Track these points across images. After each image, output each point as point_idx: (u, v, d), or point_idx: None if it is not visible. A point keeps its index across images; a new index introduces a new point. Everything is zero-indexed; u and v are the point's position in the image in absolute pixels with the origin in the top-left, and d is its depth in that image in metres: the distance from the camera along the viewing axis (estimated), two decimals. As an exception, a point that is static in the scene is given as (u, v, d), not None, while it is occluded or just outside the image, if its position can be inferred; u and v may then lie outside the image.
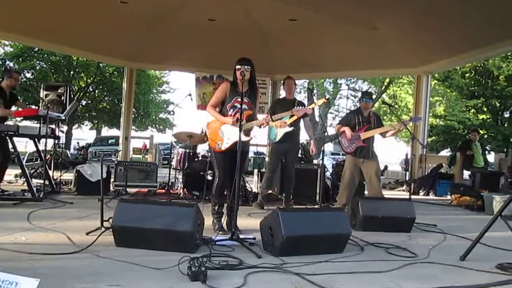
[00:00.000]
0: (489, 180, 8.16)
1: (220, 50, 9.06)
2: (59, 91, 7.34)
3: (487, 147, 18.35)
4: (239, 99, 3.94)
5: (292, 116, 5.40)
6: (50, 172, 6.61)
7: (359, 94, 22.07)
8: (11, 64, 19.13)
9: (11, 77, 5.82)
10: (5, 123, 5.87)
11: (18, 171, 7.21)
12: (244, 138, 3.85)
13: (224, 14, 8.43)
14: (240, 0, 7.74)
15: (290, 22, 8.61)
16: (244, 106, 3.89)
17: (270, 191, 6.69)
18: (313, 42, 9.41)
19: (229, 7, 7.99)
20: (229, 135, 4.03)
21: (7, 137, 5.47)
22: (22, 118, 10.13)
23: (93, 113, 25.61)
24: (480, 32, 7.61)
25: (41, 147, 6.24)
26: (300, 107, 5.06)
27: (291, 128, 5.51)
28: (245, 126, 3.95)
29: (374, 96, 19.76)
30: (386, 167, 15.70)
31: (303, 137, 6.84)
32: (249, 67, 4.00)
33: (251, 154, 11.64)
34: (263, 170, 7.34)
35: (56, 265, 2.72)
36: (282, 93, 10.63)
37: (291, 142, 5.73)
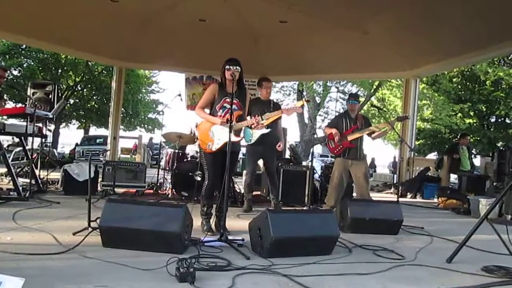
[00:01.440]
0: (476, 183, 8.26)
1: (210, 51, 9.03)
2: (47, 89, 7.27)
3: (473, 151, 18.57)
4: (228, 100, 3.99)
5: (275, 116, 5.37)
6: (37, 171, 6.53)
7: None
8: None
9: None
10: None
11: (4, 170, 7.10)
12: (234, 139, 3.85)
13: (215, 15, 8.42)
14: (231, 1, 7.73)
15: (280, 24, 8.63)
16: (233, 106, 3.89)
17: (258, 192, 6.69)
18: (303, 44, 9.44)
19: (220, 8, 7.98)
20: (220, 135, 4.02)
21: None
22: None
23: (81, 112, 25.37)
24: (468, 37, 7.71)
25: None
26: (289, 106, 5.04)
27: (268, 130, 5.48)
28: (235, 127, 3.94)
29: (362, 99, 19.92)
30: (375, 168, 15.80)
31: (291, 138, 6.84)
32: (239, 68, 4.01)
33: (240, 155, 11.61)
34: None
35: (42, 266, 2.68)
36: (273, 95, 10.65)
37: (267, 143, 5.63)
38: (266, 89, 5.86)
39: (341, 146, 5.58)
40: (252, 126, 4.19)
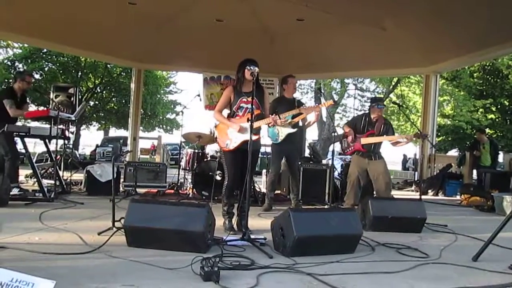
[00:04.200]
0: (499, 180, 8.11)
1: (227, 50, 9.06)
2: (69, 92, 7.41)
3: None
4: (245, 100, 4.11)
5: (297, 115, 5.37)
6: (60, 173, 6.66)
7: (367, 94, 22.06)
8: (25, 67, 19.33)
9: (24, 80, 5.89)
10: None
11: (29, 171, 7.27)
12: (253, 137, 3.86)
13: (232, 15, 8.45)
14: (247, 0, 7.75)
15: (297, 22, 8.60)
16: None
17: (278, 191, 6.69)
18: (320, 42, 9.39)
19: (236, 8, 8.00)
20: (237, 134, 4.07)
21: (19, 138, 5.53)
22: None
23: (100, 114, 25.74)
24: (489, 31, 7.55)
25: (52, 147, 6.29)
26: (308, 105, 5.03)
27: (295, 129, 5.49)
28: (254, 125, 3.96)
29: (382, 96, 19.72)
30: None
31: (309, 136, 6.84)
32: (257, 69, 4.03)
33: (259, 155, 11.63)
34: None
35: (70, 265, 2.74)
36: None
37: (291, 143, 5.67)
38: (293, 86, 5.81)
39: (352, 148, 5.59)
40: (269, 125, 4.21)
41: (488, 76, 20.67)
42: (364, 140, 5.53)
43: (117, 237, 3.42)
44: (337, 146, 6.48)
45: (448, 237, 4.33)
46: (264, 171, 7.75)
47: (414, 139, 5.53)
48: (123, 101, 23.73)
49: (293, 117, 5.39)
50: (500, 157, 15.44)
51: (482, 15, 7.03)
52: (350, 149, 5.64)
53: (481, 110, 20.28)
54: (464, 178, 9.35)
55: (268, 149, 10.95)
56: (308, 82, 21.49)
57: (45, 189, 5.54)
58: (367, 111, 6.11)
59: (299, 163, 6.54)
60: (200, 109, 10.99)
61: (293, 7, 7.81)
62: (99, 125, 28.18)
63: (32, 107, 19.43)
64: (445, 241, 4.12)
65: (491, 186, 7.78)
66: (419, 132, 5.60)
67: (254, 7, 8.20)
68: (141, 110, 15.04)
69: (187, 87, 62.19)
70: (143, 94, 15.06)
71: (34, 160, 6.65)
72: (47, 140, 6.12)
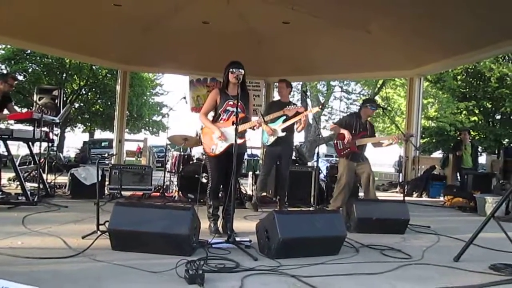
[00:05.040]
0: (482, 181, 8.24)
1: (214, 53, 9.07)
2: (53, 94, 7.32)
3: (479, 149, 18.44)
4: (231, 103, 4.11)
5: (286, 119, 5.41)
6: (44, 176, 6.58)
7: (352, 96, 22.22)
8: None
9: (6, 82, 5.80)
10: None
11: (12, 174, 7.16)
12: (237, 141, 3.87)
13: (218, 17, 8.45)
14: (233, 3, 7.76)
15: (283, 25, 8.65)
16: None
17: (264, 194, 6.72)
18: (306, 44, 9.45)
19: (223, 11, 8.00)
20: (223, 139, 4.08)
21: (1, 140, 5.44)
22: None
23: (86, 116, 25.48)
24: (472, 35, 7.68)
25: (35, 149, 6.21)
26: (292, 106, 4.98)
27: (283, 134, 5.53)
28: (238, 129, 3.97)
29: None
30: None
31: (296, 139, 6.88)
32: (242, 71, 4.05)
33: (245, 157, 11.67)
34: (258, 172, 7.36)
35: (53, 269, 2.72)
36: (276, 96, 10.69)
37: (284, 145, 5.75)
38: (279, 90, 6.00)
39: (348, 150, 5.57)
40: (255, 128, 4.22)
41: (471, 79, 21.03)
42: (359, 142, 5.58)
43: (101, 241, 3.40)
44: (322, 148, 6.51)
45: (430, 238, 4.40)
46: (250, 173, 7.76)
47: (400, 140, 5.56)
48: (109, 103, 23.52)
49: (285, 120, 5.44)
50: (483, 159, 15.68)
51: (466, 19, 7.15)
52: (347, 150, 5.56)
53: (464, 112, 20.61)
54: (447, 180, 9.48)
55: (255, 151, 11.00)
56: (295, 84, 21.56)
57: (28, 193, 5.45)
58: (354, 111, 6.14)
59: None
60: (187, 112, 10.98)
61: (279, 10, 7.86)
62: (84, 127, 27.88)
63: (16, 109, 19.17)
64: (427, 242, 4.18)
65: (474, 188, 7.90)
66: (403, 133, 5.65)
67: (240, 10, 8.21)
68: (127, 112, 14.94)
69: (173, 89, 61.87)
70: (129, 96, 14.96)
71: (17, 163, 6.57)
72: (30, 143, 6.03)
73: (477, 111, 21.06)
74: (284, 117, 5.33)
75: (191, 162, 6.89)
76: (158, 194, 6.98)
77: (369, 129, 5.76)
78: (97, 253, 3.11)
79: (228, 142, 4.03)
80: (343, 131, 5.55)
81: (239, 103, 3.95)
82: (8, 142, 5.65)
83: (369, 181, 5.49)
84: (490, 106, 21.01)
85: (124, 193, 6.62)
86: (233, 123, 3.85)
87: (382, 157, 24.45)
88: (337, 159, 5.94)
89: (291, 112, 5.00)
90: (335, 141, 5.74)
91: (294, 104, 5.52)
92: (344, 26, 8.29)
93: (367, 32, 8.32)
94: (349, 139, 5.48)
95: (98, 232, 3.59)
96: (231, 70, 4.07)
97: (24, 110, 16.50)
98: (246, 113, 4.20)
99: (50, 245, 3.36)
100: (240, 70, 4.03)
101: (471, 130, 12.81)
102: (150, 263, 2.90)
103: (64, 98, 16.59)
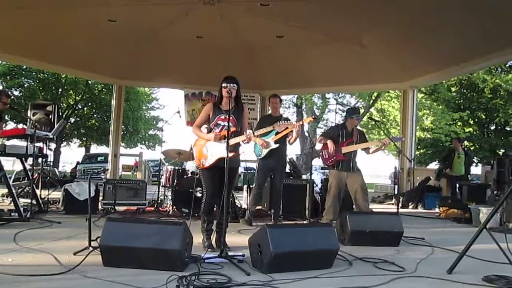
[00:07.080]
0: (476, 192, 8.25)
1: (208, 67, 9.12)
2: (47, 109, 7.32)
3: (474, 159, 18.48)
4: (222, 117, 4.13)
5: (277, 132, 5.43)
6: (38, 191, 6.55)
7: (347, 109, 22.35)
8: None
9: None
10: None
11: (5, 190, 7.12)
12: (228, 154, 3.87)
13: (212, 32, 8.51)
14: (227, 18, 7.83)
15: (277, 39, 8.72)
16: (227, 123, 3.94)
17: (259, 207, 6.70)
18: (300, 58, 9.52)
19: (216, 25, 8.06)
20: (213, 151, 4.10)
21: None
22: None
23: (81, 131, 25.40)
24: (464, 46, 7.77)
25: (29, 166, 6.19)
26: (282, 121, 4.99)
27: (276, 145, 5.54)
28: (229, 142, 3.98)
29: (362, 111, 20.00)
30: None
31: (292, 152, 6.89)
32: (236, 85, 4.07)
33: (240, 170, 11.64)
34: (253, 186, 7.35)
35: (43, 287, 2.70)
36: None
37: (277, 158, 5.77)
38: (273, 106, 6.09)
39: (334, 158, 5.67)
40: (244, 142, 4.21)
41: (465, 90, 21.19)
42: (345, 149, 5.66)
43: (93, 257, 3.37)
44: (318, 161, 6.52)
45: (424, 250, 4.39)
46: (245, 186, 7.74)
47: (386, 146, 5.62)
48: (105, 117, 23.49)
49: (277, 133, 5.46)
50: (478, 170, 15.68)
51: (458, 31, 7.22)
52: (333, 159, 5.69)
53: (459, 123, 20.73)
54: (442, 191, 9.49)
55: (250, 165, 10.98)
56: (290, 97, 21.69)
57: (21, 209, 5.41)
58: (340, 123, 6.23)
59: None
60: (182, 125, 10.99)
61: (273, 24, 7.93)
62: (80, 142, 27.79)
63: (11, 125, 19.13)
64: (421, 254, 4.17)
65: (468, 199, 7.91)
66: (388, 137, 5.70)
67: (233, 24, 8.28)
68: (123, 126, 14.93)
69: (169, 103, 62.08)
70: (124, 110, 14.99)
71: (12, 179, 6.53)
72: (23, 159, 6.01)
73: (471, 122, 21.18)
74: (276, 131, 5.36)
75: (185, 176, 6.87)
76: (152, 208, 6.95)
77: (357, 136, 5.81)
78: (88, 269, 3.09)
79: (218, 155, 4.03)
80: (326, 141, 5.75)
81: (231, 117, 3.96)
82: (1, 157, 5.63)
83: (359, 192, 5.51)
84: (484, 116, 21.14)
85: (118, 208, 6.59)
86: (224, 137, 3.86)
87: (378, 169, 24.48)
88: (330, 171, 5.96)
89: (281, 127, 5.01)
90: (320, 152, 5.84)
91: (286, 118, 5.55)
92: (337, 40, 8.37)
93: (361, 46, 8.39)
94: (332, 148, 5.63)
95: (90, 248, 3.57)
96: (223, 85, 4.10)
97: (20, 125, 16.50)
98: (238, 128, 4.19)
99: (41, 262, 3.34)
100: (232, 84, 4.06)
101: (466, 141, 12.85)
102: (141, 279, 2.88)
103: (60, 113, 16.61)
